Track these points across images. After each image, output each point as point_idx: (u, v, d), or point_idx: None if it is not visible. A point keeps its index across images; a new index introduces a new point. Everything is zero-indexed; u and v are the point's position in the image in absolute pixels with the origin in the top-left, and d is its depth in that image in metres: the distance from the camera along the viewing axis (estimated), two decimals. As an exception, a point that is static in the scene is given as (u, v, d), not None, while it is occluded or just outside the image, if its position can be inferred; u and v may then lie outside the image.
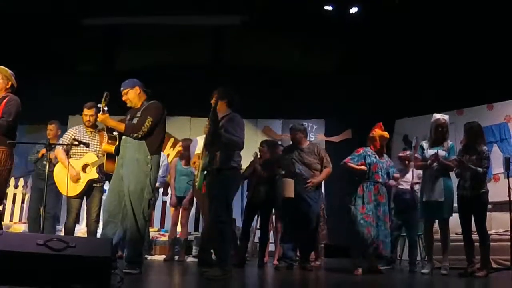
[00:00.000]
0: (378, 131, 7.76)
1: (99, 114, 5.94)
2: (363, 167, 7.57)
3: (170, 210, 9.99)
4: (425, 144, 7.77)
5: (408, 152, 9.31)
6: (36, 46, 12.69)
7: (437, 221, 7.69)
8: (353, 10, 11.79)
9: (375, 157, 7.65)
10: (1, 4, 11.08)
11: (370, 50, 12.35)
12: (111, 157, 6.26)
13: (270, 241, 9.24)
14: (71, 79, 12.79)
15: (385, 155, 7.93)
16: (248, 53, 13.48)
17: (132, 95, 6.12)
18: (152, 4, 11.95)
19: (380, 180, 7.61)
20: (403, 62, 12.08)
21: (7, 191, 10.30)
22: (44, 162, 8.63)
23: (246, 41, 13.50)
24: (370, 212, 7.37)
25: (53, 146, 6.96)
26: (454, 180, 7.71)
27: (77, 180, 7.07)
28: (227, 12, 12.64)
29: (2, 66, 6.29)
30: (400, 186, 8.84)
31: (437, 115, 7.81)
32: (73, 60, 13.99)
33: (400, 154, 9.30)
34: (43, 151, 8.62)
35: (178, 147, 9.27)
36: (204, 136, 6.27)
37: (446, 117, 7.78)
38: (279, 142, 11.16)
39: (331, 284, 6.60)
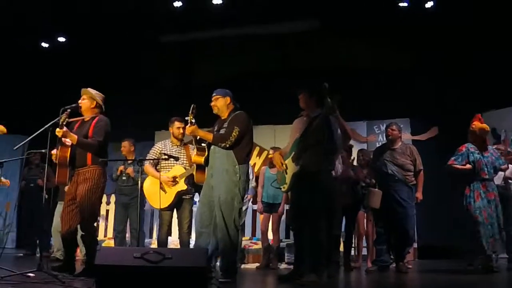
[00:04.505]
0: (477, 124, 7.48)
1: (187, 126, 6.08)
2: (468, 166, 7.33)
3: (260, 218, 10.02)
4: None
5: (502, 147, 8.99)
6: (117, 65, 13.08)
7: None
8: (429, 4, 11.55)
9: (478, 153, 7.38)
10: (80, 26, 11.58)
11: (450, 44, 12.04)
12: (201, 168, 6.36)
13: (363, 244, 9.13)
14: (152, 96, 13.10)
15: (490, 148, 7.64)
16: (325, 56, 13.37)
17: (221, 103, 6.20)
18: (222, 17, 12.06)
19: (487, 176, 7.34)
20: (486, 53, 11.70)
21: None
22: (124, 178, 8.96)
23: (321, 44, 13.40)
24: (477, 211, 7.15)
25: (142, 161, 7.08)
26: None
27: (174, 181, 7.16)
28: (301, 17, 12.59)
29: (87, 88, 6.49)
30: None
31: None
32: (153, 76, 14.28)
33: (494, 147, 8.92)
34: (121, 167, 8.96)
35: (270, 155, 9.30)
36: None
37: None
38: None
39: (428, 286, 6.44)
